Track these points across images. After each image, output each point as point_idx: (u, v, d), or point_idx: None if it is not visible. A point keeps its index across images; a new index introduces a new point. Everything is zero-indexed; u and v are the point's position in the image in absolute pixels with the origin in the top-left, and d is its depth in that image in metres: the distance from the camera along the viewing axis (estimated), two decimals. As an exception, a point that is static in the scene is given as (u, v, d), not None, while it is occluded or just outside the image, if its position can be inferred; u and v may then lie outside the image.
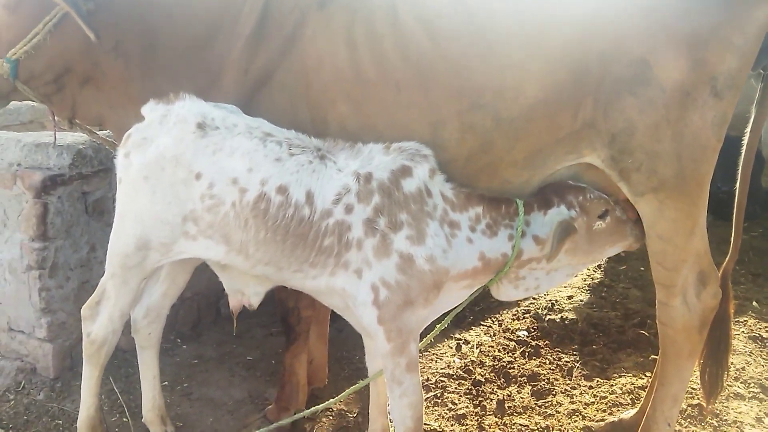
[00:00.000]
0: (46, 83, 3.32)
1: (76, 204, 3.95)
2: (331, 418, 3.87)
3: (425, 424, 3.59)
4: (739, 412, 3.98)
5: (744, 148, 3.25)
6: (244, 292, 3.10)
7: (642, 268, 5.95)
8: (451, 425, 3.80)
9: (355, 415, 3.89)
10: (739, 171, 3.27)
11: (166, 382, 4.09)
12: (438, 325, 3.28)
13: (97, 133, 3.71)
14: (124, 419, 3.74)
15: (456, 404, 4.00)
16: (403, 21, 3.02)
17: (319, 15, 3.13)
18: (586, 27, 2.87)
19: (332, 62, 3.10)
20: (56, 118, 3.56)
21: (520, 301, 5.36)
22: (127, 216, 3.00)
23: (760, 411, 4.01)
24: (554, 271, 3.10)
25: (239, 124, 2.91)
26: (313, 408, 3.44)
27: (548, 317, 5.11)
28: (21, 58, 3.22)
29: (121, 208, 3.03)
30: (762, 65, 3.04)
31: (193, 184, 2.85)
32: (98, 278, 3.96)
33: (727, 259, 3.36)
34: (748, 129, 3.22)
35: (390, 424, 3.41)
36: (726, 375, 3.47)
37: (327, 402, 3.46)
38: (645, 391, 3.80)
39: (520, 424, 3.82)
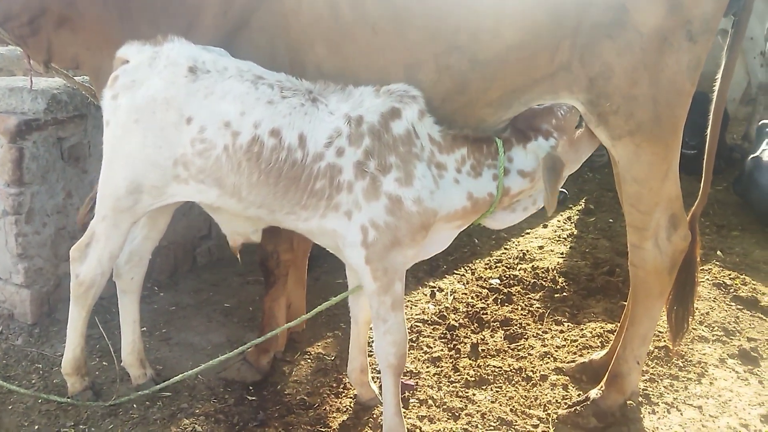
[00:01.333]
0: (21, 25, 3.29)
1: (52, 149, 3.93)
2: (309, 360, 3.94)
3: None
4: (704, 354, 4.13)
5: (715, 94, 3.32)
6: (241, 231, 3.14)
7: (611, 220, 6.08)
8: (427, 367, 3.89)
9: (332, 358, 3.96)
10: (710, 116, 3.35)
11: (145, 328, 4.11)
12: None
13: (73, 77, 3.67)
14: (104, 363, 3.77)
15: (431, 347, 4.10)
16: None
17: None
18: None
19: (310, 4, 3.11)
20: (31, 61, 3.52)
21: (492, 251, 5.46)
22: (118, 159, 2.99)
23: (723, 353, 4.16)
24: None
25: (230, 67, 2.91)
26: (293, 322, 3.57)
27: (520, 266, 5.21)
28: None
29: (110, 151, 3.02)
30: (733, 10, 3.12)
31: (184, 129, 2.86)
32: (74, 224, 4.03)
33: (695, 204, 3.46)
34: (719, 75, 3.30)
35: (370, 361, 3.50)
36: (691, 317, 3.60)
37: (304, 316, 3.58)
38: (614, 334, 3.92)
39: (494, 366, 3.92)
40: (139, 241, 3.42)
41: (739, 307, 4.68)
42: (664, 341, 4.12)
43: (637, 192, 3.18)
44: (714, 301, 4.73)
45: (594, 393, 3.53)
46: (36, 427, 3.28)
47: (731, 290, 4.87)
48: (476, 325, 4.38)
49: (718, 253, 5.49)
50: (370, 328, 3.23)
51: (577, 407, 3.50)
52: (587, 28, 2.93)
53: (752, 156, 6.28)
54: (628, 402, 3.54)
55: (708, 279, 5.02)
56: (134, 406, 3.43)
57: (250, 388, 3.65)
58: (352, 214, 2.86)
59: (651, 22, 2.90)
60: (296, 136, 2.83)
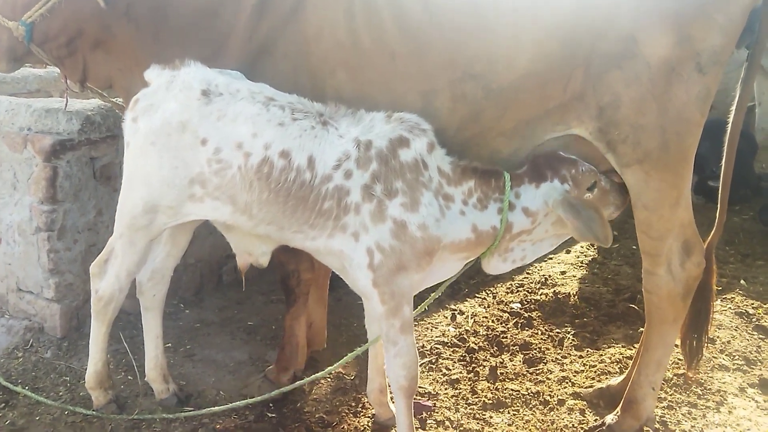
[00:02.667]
0: (59, 46, 3.43)
1: (84, 168, 4.06)
2: (329, 380, 4.00)
3: (420, 387, 3.72)
4: (723, 383, 4.12)
5: (729, 125, 3.36)
6: (251, 252, 3.21)
7: (634, 247, 6.06)
8: (445, 389, 3.93)
9: (352, 378, 4.02)
10: (725, 148, 3.38)
11: (170, 344, 4.21)
12: (432, 294, 3.40)
13: (107, 97, 3.81)
14: (129, 377, 3.86)
15: (450, 370, 4.14)
16: None
17: None
18: (578, 3, 2.98)
19: (331, 31, 3.20)
20: (68, 81, 3.66)
21: (514, 275, 5.49)
22: (135, 179, 3.10)
23: (743, 382, 4.14)
24: (540, 241, 3.20)
25: (242, 90, 3.00)
26: (313, 376, 3.61)
27: (541, 291, 5.23)
28: (36, 20, 3.33)
29: (128, 171, 3.14)
30: (746, 43, 3.16)
31: (199, 150, 2.95)
32: (104, 242, 4.08)
33: (712, 232, 3.48)
34: (733, 107, 3.34)
35: (387, 383, 3.55)
36: (706, 344, 3.62)
37: (326, 369, 3.61)
38: (633, 360, 3.92)
39: (512, 389, 3.95)
40: (161, 259, 3.51)
41: (761, 336, 4.66)
42: (683, 369, 4.12)
43: (648, 219, 3.21)
44: (736, 330, 4.71)
45: (610, 419, 3.55)
46: (61, 438, 3.37)
47: (753, 319, 4.85)
48: (496, 348, 4.41)
49: (742, 282, 5.47)
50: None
51: (593, 432, 3.53)
52: (598, 58, 2.99)
53: (779, 185, 6.26)
54: (644, 429, 3.55)
55: (731, 308, 5.01)
56: (157, 420, 3.50)
57: (271, 405, 3.71)
58: (359, 236, 2.92)
59: (659, 54, 2.95)
60: (305, 158, 2.90)
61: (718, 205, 3.52)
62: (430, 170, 2.99)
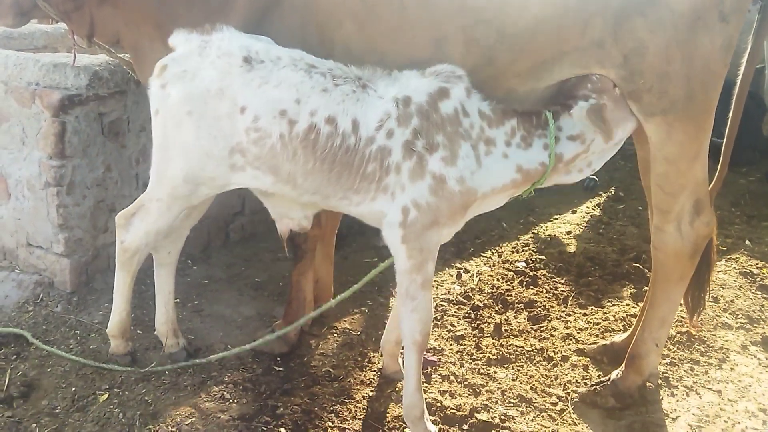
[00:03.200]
0: (65, 1, 3.42)
1: (93, 124, 4.07)
2: (335, 335, 4.05)
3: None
4: (726, 340, 4.16)
5: (740, 77, 3.35)
6: (292, 216, 3.25)
7: (640, 208, 6.08)
8: (450, 345, 3.98)
9: (358, 333, 4.07)
10: (734, 100, 3.38)
11: (178, 300, 4.22)
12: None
13: (115, 53, 3.81)
14: (138, 331, 3.91)
15: (455, 326, 4.18)
16: None
17: None
18: None
19: None
20: (75, 36, 3.65)
21: (520, 235, 5.52)
22: (172, 149, 3.08)
23: (746, 340, 4.19)
24: (601, 151, 3.19)
25: (283, 57, 2.99)
26: (316, 311, 3.68)
27: (546, 250, 5.26)
28: None
29: (161, 138, 3.11)
30: None
31: (238, 118, 2.94)
32: (113, 198, 4.18)
33: (711, 184, 3.48)
34: (745, 58, 3.32)
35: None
36: (707, 296, 3.68)
37: (328, 303, 3.68)
38: (636, 318, 3.96)
39: (516, 346, 4.00)
40: (181, 219, 3.49)
41: (764, 296, 4.69)
42: (687, 326, 4.16)
43: (666, 172, 3.21)
44: (740, 290, 4.74)
45: (615, 374, 3.60)
46: (73, 389, 3.42)
47: (758, 279, 4.88)
48: (500, 306, 4.45)
49: (747, 242, 5.49)
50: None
51: (597, 387, 3.58)
52: (619, 5, 2.97)
53: (786, 147, 6.24)
54: (647, 384, 3.60)
55: (735, 268, 5.03)
56: (166, 372, 3.56)
57: (278, 359, 3.77)
58: (396, 195, 2.94)
59: (683, 1, 2.93)
60: (350, 122, 2.91)
61: (721, 159, 3.53)
62: (471, 116, 3.00)
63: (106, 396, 3.39)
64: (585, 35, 3.04)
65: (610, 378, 3.60)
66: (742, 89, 3.36)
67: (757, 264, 5.09)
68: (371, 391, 3.56)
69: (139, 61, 3.64)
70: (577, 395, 3.57)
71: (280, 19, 3.30)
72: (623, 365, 3.58)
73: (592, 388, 3.58)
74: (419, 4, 3.10)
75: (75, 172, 4.04)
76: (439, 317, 4.25)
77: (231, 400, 3.42)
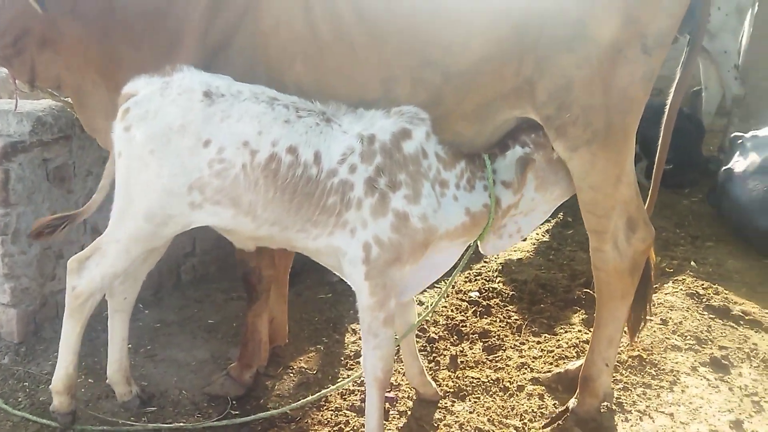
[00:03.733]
0: (5, 45, 3.39)
1: (37, 170, 4.01)
2: (291, 375, 4.02)
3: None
4: (676, 362, 4.24)
5: (667, 106, 3.47)
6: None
7: (588, 232, 6.18)
8: (407, 380, 3.98)
9: (315, 372, 4.05)
10: (662, 128, 3.50)
11: (130, 345, 4.15)
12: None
13: (59, 96, 3.77)
14: (90, 380, 3.84)
15: (411, 360, 4.18)
16: None
17: None
18: None
19: (289, 24, 3.21)
20: (17, 81, 3.60)
21: (472, 264, 5.56)
22: (134, 189, 3.06)
23: (695, 361, 4.27)
24: (532, 211, 3.29)
25: (244, 91, 3.03)
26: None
27: (498, 279, 5.32)
28: None
29: (124, 180, 3.08)
30: (687, 29, 3.27)
31: (201, 152, 2.95)
32: (61, 244, 4.10)
33: (644, 206, 3.57)
34: (672, 88, 3.45)
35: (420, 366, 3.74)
36: (648, 313, 3.76)
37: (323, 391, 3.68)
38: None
39: (472, 377, 4.02)
40: (137, 264, 3.44)
41: (711, 316, 4.80)
42: (638, 351, 4.23)
43: (593, 198, 3.30)
44: (687, 311, 4.84)
45: (571, 403, 3.65)
46: (22, 444, 3.34)
47: (704, 300, 4.98)
48: (455, 337, 4.48)
49: (692, 263, 5.61)
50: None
51: (560, 420, 3.61)
52: (548, 41, 3.06)
53: (725, 168, 6.43)
54: (604, 404, 3.65)
55: (682, 289, 5.14)
56: (119, 421, 3.49)
57: (234, 402, 3.72)
58: (356, 232, 2.97)
59: (607, 36, 3.03)
60: (312, 153, 2.95)
61: (651, 183, 3.64)
62: (429, 157, 3.07)
63: (56, 451, 3.31)
64: (519, 74, 3.12)
65: (568, 408, 3.63)
66: (669, 117, 3.49)
67: (702, 284, 5.21)
68: (329, 431, 3.54)
69: (81, 105, 3.61)
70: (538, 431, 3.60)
71: (230, 60, 3.31)
72: (578, 391, 3.63)
73: (555, 423, 3.60)
74: (368, 45, 3.15)
75: (20, 220, 3.96)
76: (395, 351, 4.24)
77: (187, 448, 3.37)
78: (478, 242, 3.29)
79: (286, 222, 3.00)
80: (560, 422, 3.59)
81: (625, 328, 3.71)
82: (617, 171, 3.27)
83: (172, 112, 2.96)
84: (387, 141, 3.01)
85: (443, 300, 4.95)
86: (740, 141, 6.56)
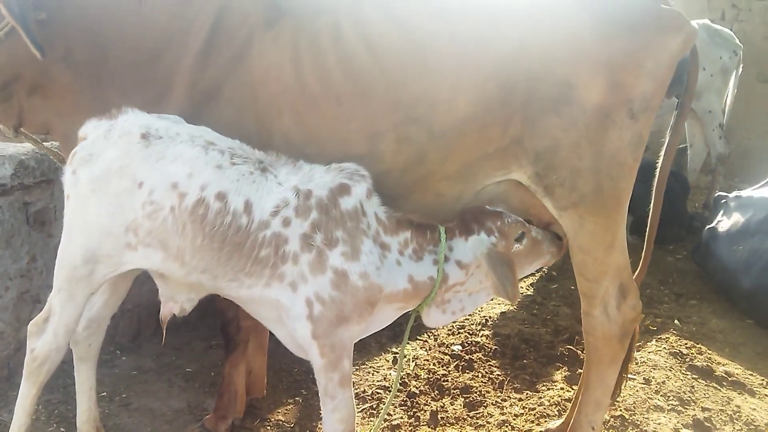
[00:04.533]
0: None
1: (17, 214, 3.97)
2: (268, 428, 3.95)
3: (363, 434, 3.70)
4: (659, 423, 4.19)
5: (658, 170, 3.48)
6: (177, 299, 3.14)
7: (572, 287, 6.16)
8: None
9: (292, 426, 3.97)
10: (653, 192, 3.50)
11: (105, 393, 4.12)
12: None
13: (43, 143, 3.74)
14: (62, 429, 3.75)
15: (391, 415, 4.12)
16: (346, 38, 3.17)
17: (266, 32, 3.25)
18: (515, 48, 3.06)
19: (278, 76, 3.22)
20: (1, 126, 3.58)
21: (456, 317, 5.52)
22: (75, 229, 3.02)
23: (678, 422, 4.23)
24: (476, 293, 3.24)
25: (182, 133, 2.98)
26: None
27: (482, 333, 5.27)
28: None
29: (68, 223, 3.05)
30: (676, 93, 3.29)
31: (136, 193, 2.91)
32: (38, 289, 4.04)
33: (637, 271, 3.58)
34: (662, 152, 3.46)
35: None
36: (628, 371, 3.71)
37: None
38: (571, 402, 3.97)
39: (452, 434, 3.96)
40: (98, 308, 3.42)
41: (694, 376, 4.77)
42: (621, 411, 4.19)
43: (583, 261, 3.30)
44: (670, 371, 4.81)
45: (555, 459, 3.60)
46: (-12, 495, 3.25)
47: (687, 360, 4.96)
48: (437, 392, 4.42)
49: (676, 322, 5.60)
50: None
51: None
52: (536, 103, 3.07)
53: (708, 227, 6.46)
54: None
55: (665, 348, 5.12)
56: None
57: (210, 456, 3.64)
58: (297, 286, 2.89)
59: (593, 99, 3.04)
60: (242, 202, 2.88)
61: (645, 246, 3.63)
62: (368, 217, 3.00)
63: (24, 503, 3.21)
64: (506, 134, 3.13)
65: (547, 462, 3.60)
66: (660, 180, 3.49)
67: (686, 344, 5.19)
68: (305, 487, 3.47)
69: (69, 151, 3.58)
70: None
71: (218, 110, 3.30)
72: (561, 450, 3.59)
73: None
74: (354, 100, 3.15)
75: (-3, 263, 3.91)
76: (375, 406, 4.19)
77: (158, 503, 3.29)
78: (419, 311, 3.23)
79: (217, 271, 2.92)
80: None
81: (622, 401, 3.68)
82: (609, 237, 3.26)
83: (112, 155, 2.94)
84: (324, 197, 2.94)
85: (426, 353, 4.91)
86: (724, 201, 6.61)
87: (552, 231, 3.28)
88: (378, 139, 3.18)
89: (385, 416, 4.09)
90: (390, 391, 4.29)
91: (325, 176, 3.00)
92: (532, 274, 6.60)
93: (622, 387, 3.76)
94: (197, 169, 2.89)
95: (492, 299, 5.85)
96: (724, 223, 6.31)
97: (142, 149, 2.93)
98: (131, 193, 2.91)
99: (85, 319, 3.38)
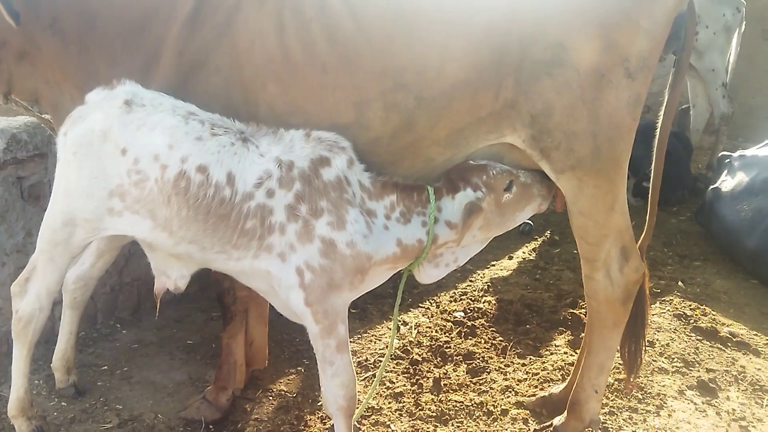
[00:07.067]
0: None
1: (11, 189, 3.93)
2: (270, 398, 3.93)
3: (361, 401, 3.67)
4: (663, 386, 4.17)
5: (658, 129, 3.41)
6: (170, 274, 3.12)
7: (575, 251, 6.05)
8: (389, 403, 3.90)
9: (294, 395, 3.96)
10: (654, 152, 3.43)
11: (106, 367, 4.12)
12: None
13: (34, 111, 3.71)
14: (63, 403, 3.75)
15: (394, 383, 4.11)
16: (330, 5, 3.09)
17: (251, 1, 3.18)
18: (507, 11, 2.99)
19: (263, 45, 3.15)
20: None
21: (457, 283, 5.49)
22: (57, 192, 3.03)
23: (682, 384, 4.21)
24: (470, 245, 3.23)
25: (165, 103, 2.95)
26: None
27: (484, 299, 5.24)
28: None
29: (54, 185, 3.06)
30: (673, 49, 3.21)
31: (120, 159, 2.87)
32: (35, 263, 3.98)
33: (642, 235, 3.52)
34: (661, 111, 3.39)
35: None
36: (644, 349, 3.65)
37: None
38: (574, 367, 3.95)
39: (455, 401, 3.94)
40: (86, 268, 3.66)
41: (699, 337, 4.74)
42: (624, 373, 4.15)
43: (584, 224, 3.24)
44: (674, 332, 4.78)
45: (557, 420, 3.61)
46: (-9, 470, 3.25)
47: (692, 321, 4.93)
48: (439, 359, 4.40)
49: (680, 283, 5.57)
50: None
51: (541, 432, 3.56)
52: (529, 66, 3.00)
53: (712, 187, 6.40)
54: (588, 430, 3.58)
55: (669, 310, 5.09)
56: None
57: (210, 426, 3.63)
58: (286, 256, 2.88)
59: (587, 60, 2.97)
60: (224, 174, 2.85)
61: (648, 208, 3.57)
62: (352, 186, 2.98)
63: (26, 477, 3.22)
64: (498, 98, 3.06)
65: (552, 424, 3.59)
66: (661, 141, 3.42)
67: (690, 305, 5.15)
68: (308, 456, 3.46)
69: (59, 120, 3.52)
70: (518, 448, 3.55)
71: (206, 79, 3.24)
72: (565, 413, 3.56)
73: None
74: (340, 68, 3.09)
75: (-7, 239, 3.88)
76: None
77: (160, 475, 3.28)
78: (412, 270, 3.21)
79: (204, 242, 2.90)
80: (542, 435, 3.54)
81: (621, 359, 3.66)
82: (609, 199, 3.20)
83: (96, 117, 2.91)
84: (306, 168, 2.91)
85: (428, 320, 4.89)
86: (728, 160, 6.55)
87: (541, 171, 3.22)
88: (365, 107, 3.12)
89: (388, 384, 4.08)
90: (390, 358, 4.28)
91: (305, 147, 2.96)
92: (534, 239, 6.57)
93: (639, 365, 3.67)
94: (177, 140, 2.86)
95: (494, 261, 5.87)
96: (727, 182, 6.24)
97: (123, 115, 2.89)
98: (115, 159, 2.88)
99: (74, 275, 3.63)
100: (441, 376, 4.17)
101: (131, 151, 2.86)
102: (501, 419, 3.80)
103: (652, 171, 3.46)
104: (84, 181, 2.92)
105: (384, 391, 3.99)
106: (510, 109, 3.07)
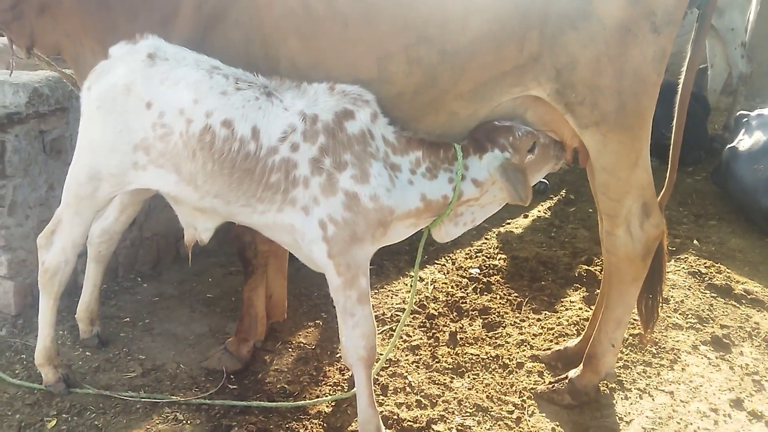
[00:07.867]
0: (4, 10, 3.36)
1: (34, 143, 3.96)
2: (290, 350, 4.00)
3: (381, 354, 3.74)
4: (677, 341, 4.22)
5: (680, 86, 3.40)
6: (196, 226, 3.17)
7: (590, 210, 6.15)
8: (406, 355, 3.97)
9: (313, 347, 4.03)
10: (676, 108, 3.43)
11: (128, 319, 4.19)
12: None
13: (55, 65, 3.74)
14: (87, 353, 3.82)
15: (410, 336, 4.17)
16: None
17: None
18: None
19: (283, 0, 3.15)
20: (14, 47, 3.56)
21: (473, 241, 5.53)
22: (82, 147, 3.07)
23: (696, 339, 4.25)
24: (488, 204, 3.25)
25: (188, 57, 2.96)
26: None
27: (499, 256, 5.28)
28: None
29: (79, 139, 3.10)
30: (697, 4, 3.19)
31: (144, 113, 2.90)
32: (58, 216, 4.04)
33: (662, 192, 3.54)
34: (684, 67, 3.37)
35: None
36: (661, 305, 3.69)
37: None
38: (589, 321, 3.99)
39: (471, 354, 4.00)
40: (111, 222, 3.70)
41: (713, 295, 4.78)
42: (639, 329, 4.20)
43: (606, 180, 3.25)
44: (689, 289, 4.82)
45: (572, 373, 3.66)
46: (18, 416, 3.32)
47: (706, 278, 4.96)
48: (455, 314, 4.45)
49: (695, 242, 5.59)
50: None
51: (555, 384, 3.64)
52: (553, 18, 2.99)
53: (729, 146, 6.37)
54: (603, 383, 3.64)
55: (684, 267, 5.12)
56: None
57: (231, 377, 3.70)
58: (309, 209, 2.91)
59: (614, 14, 2.96)
60: (249, 129, 2.87)
61: (669, 166, 3.57)
62: (376, 140, 3.00)
63: (54, 422, 3.29)
64: (523, 51, 3.05)
65: (567, 377, 3.65)
66: (683, 97, 3.41)
67: (705, 263, 5.18)
68: (327, 406, 3.53)
69: (81, 74, 3.56)
70: (535, 392, 3.64)
71: (225, 34, 3.25)
72: (581, 365, 3.62)
73: (550, 385, 3.65)
74: (362, 22, 3.08)
75: (16, 192, 3.93)
76: (394, 327, 4.23)
77: (184, 421, 3.35)
78: (431, 228, 3.24)
79: (229, 196, 2.93)
80: (555, 386, 3.62)
81: (635, 315, 3.70)
82: (633, 155, 3.21)
83: (119, 72, 2.94)
84: (330, 121, 2.92)
85: (444, 276, 4.93)
86: (745, 119, 6.51)
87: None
88: (387, 61, 3.11)
89: (405, 337, 4.14)
90: (409, 313, 4.33)
91: (329, 100, 2.97)
92: (549, 198, 6.58)
93: (654, 322, 3.73)
94: (202, 94, 2.88)
95: (509, 219, 5.90)
96: (745, 141, 6.22)
97: (146, 68, 2.91)
98: (139, 112, 2.91)
99: (99, 228, 3.69)
100: (457, 330, 4.23)
101: (156, 104, 2.88)
102: (517, 372, 3.86)
103: (674, 126, 3.46)
104: (108, 136, 2.95)
105: (401, 344, 4.05)
106: (534, 62, 3.06)
